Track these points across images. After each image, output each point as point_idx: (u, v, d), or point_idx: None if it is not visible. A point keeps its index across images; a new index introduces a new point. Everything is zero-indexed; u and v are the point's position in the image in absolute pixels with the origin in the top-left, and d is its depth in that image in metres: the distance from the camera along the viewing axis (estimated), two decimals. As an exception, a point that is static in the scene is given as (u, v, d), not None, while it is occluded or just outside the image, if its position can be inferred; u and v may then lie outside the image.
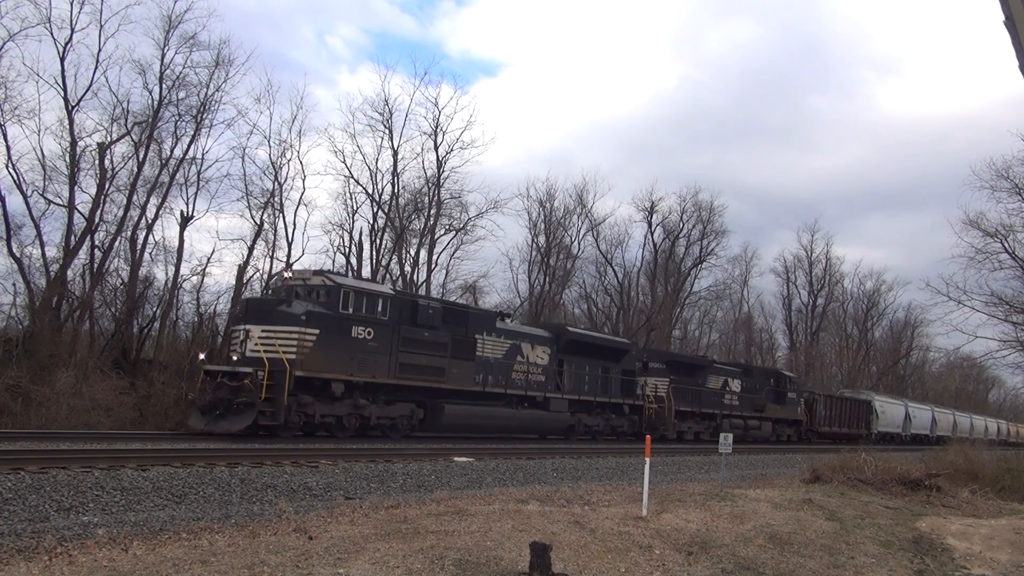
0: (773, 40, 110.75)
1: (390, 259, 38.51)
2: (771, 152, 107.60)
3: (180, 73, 29.02)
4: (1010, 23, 4.92)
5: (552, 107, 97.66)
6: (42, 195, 26.22)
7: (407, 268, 38.91)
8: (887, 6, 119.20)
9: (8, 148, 25.32)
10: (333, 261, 37.69)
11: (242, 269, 32.16)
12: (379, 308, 18.94)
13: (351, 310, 18.26)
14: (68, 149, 26.33)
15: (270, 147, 34.76)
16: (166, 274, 29.44)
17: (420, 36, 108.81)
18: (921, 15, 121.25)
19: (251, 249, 32.91)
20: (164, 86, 28.51)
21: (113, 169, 28.11)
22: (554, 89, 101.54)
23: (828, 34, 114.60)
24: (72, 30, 26.19)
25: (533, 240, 47.79)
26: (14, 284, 25.10)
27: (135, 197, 28.54)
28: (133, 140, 28.39)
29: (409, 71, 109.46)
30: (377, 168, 38.09)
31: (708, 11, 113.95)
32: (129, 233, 28.43)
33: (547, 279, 47.20)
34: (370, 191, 38.00)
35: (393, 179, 38.04)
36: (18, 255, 24.75)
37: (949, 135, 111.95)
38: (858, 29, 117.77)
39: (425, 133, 39.47)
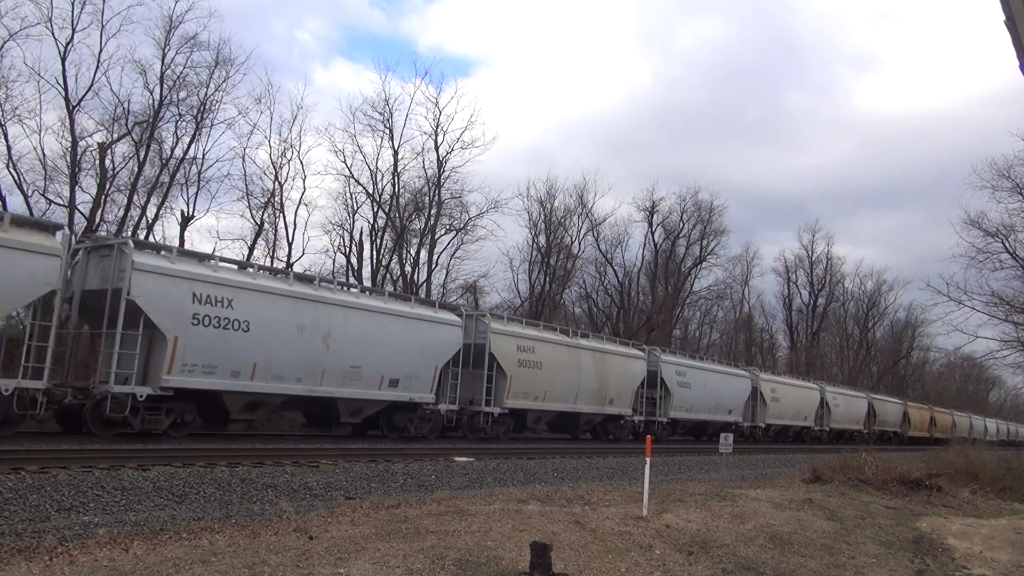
0: (744, 36, 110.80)
1: (390, 259, 38.51)
2: (753, 149, 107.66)
3: (180, 73, 29.09)
4: (1010, 23, 4.92)
5: (529, 104, 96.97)
6: (43, 195, 26.28)
7: (407, 268, 38.92)
8: (859, 3, 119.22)
9: (9, 148, 25.38)
10: (334, 261, 37.77)
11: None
12: None
13: None
14: (69, 149, 26.38)
15: (270, 147, 34.85)
16: (167, 274, 29.45)
17: (391, 31, 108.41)
18: (896, 11, 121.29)
19: (251, 249, 32.99)
20: (165, 86, 28.58)
21: (114, 169, 28.19)
22: (529, 86, 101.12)
23: (799, 30, 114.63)
24: (73, 30, 26.25)
25: (533, 240, 47.83)
26: (15, 284, 25.13)
27: (136, 197, 28.65)
28: (134, 140, 28.45)
29: (382, 68, 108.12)
30: (377, 168, 38.11)
31: (675, 6, 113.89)
32: (130, 233, 28.46)
33: (547, 279, 47.17)
34: (370, 191, 38.00)
35: (393, 179, 38.04)
36: (19, 255, 24.79)
37: (931, 131, 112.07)
38: (830, 25, 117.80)
39: (425, 133, 39.53)
